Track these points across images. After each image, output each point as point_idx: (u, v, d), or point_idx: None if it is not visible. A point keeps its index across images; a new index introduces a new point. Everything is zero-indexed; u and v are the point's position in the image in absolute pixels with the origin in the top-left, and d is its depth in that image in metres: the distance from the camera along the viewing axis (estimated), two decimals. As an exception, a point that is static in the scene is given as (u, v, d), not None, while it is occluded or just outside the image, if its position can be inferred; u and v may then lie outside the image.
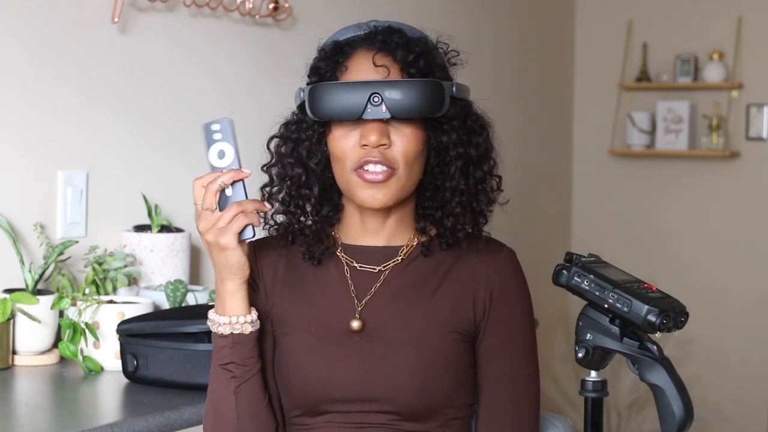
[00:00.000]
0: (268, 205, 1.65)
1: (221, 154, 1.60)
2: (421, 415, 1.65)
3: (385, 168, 1.64)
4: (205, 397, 1.84)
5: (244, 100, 3.09)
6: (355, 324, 1.67)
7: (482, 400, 1.70)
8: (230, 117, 1.62)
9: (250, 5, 3.02)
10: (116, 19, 2.67)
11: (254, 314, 1.66)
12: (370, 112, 1.61)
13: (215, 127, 1.60)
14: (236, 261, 1.60)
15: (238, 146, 1.61)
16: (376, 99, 1.61)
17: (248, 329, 1.64)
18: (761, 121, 4.63)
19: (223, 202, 1.59)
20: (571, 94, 4.96)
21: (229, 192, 1.59)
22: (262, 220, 1.73)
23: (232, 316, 1.64)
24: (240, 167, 1.60)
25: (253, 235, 1.60)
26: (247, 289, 1.64)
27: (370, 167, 1.64)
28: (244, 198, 1.59)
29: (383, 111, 1.61)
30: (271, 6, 3.08)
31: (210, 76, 3.00)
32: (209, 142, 1.60)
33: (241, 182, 1.59)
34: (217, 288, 1.65)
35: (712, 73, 4.64)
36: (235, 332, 1.64)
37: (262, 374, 1.68)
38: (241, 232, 1.58)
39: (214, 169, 1.60)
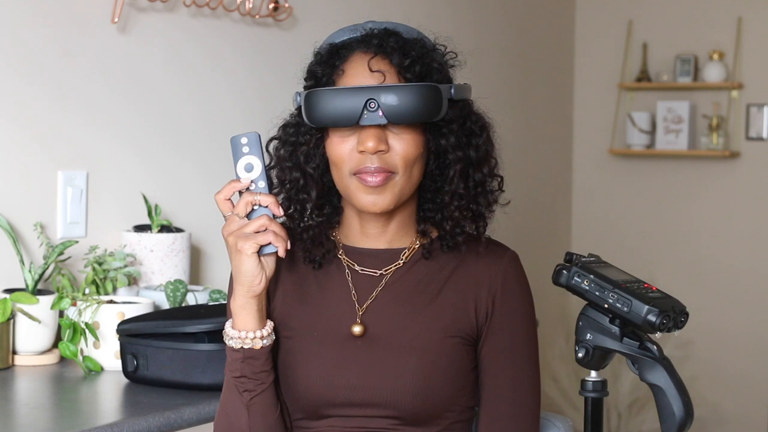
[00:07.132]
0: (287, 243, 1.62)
1: (249, 167, 1.62)
2: (422, 420, 1.64)
3: (383, 174, 1.62)
4: (205, 397, 1.85)
5: (244, 100, 3.09)
6: (357, 329, 1.66)
7: (483, 402, 1.69)
8: (257, 131, 1.63)
9: (250, 5, 3.02)
10: (116, 19, 2.67)
11: (267, 329, 1.64)
12: (367, 118, 1.60)
13: (243, 140, 1.62)
14: (247, 269, 1.59)
15: (264, 159, 1.63)
16: (372, 105, 1.59)
17: (258, 345, 1.63)
18: (761, 121, 4.63)
19: (250, 213, 1.61)
20: (571, 94, 4.95)
21: (256, 206, 1.62)
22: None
23: (242, 331, 1.62)
24: (267, 180, 1.61)
25: (275, 252, 1.60)
26: (259, 305, 1.62)
27: (368, 178, 1.62)
28: (270, 215, 1.60)
29: (380, 116, 1.60)
30: (271, 6, 3.08)
31: (210, 76, 3.00)
32: (237, 155, 1.62)
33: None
34: (230, 301, 1.65)
35: (712, 73, 4.63)
36: (245, 347, 1.63)
37: (275, 385, 1.67)
38: (262, 247, 1.60)
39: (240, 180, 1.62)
